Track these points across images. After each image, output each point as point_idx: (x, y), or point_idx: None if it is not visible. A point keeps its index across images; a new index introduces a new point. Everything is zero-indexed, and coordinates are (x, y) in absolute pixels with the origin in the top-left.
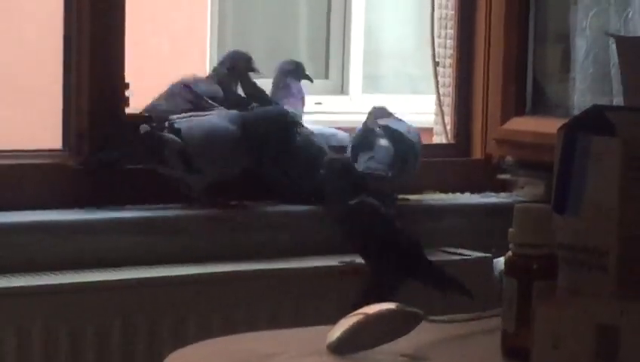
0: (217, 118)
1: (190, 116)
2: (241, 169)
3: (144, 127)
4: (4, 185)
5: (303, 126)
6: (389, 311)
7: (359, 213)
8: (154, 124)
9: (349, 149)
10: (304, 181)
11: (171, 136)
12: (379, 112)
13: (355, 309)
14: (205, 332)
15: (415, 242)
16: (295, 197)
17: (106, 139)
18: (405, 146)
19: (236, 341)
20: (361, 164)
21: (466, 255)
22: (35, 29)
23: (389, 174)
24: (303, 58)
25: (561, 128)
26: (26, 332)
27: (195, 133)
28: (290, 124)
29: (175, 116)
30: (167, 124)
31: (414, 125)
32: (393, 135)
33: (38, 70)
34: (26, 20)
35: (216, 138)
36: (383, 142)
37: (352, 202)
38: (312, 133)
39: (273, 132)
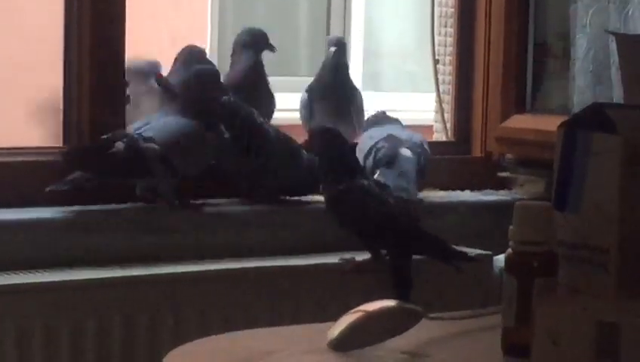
0: (173, 117)
1: (147, 123)
2: (211, 160)
3: (119, 144)
4: (3, 183)
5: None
6: (390, 308)
7: (350, 195)
8: (125, 140)
9: (367, 160)
10: (279, 175)
11: (149, 144)
12: (378, 118)
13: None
14: (205, 329)
15: (414, 218)
16: (267, 193)
17: (82, 163)
18: (424, 157)
19: (236, 338)
20: (390, 180)
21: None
22: (36, 27)
23: (416, 193)
24: (303, 56)
25: (561, 125)
26: (27, 330)
27: (166, 135)
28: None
29: (134, 127)
30: (136, 135)
31: (413, 126)
32: (415, 145)
33: (38, 67)
34: (27, 19)
35: (185, 134)
36: (406, 151)
37: (341, 187)
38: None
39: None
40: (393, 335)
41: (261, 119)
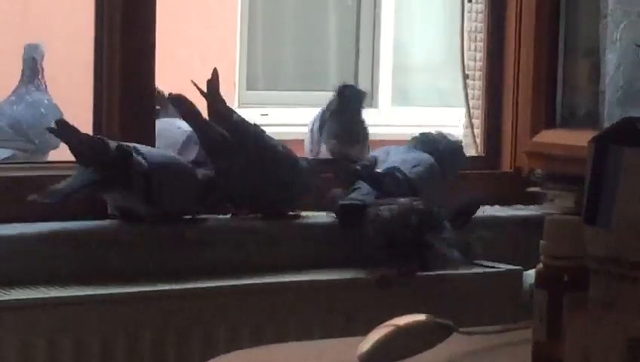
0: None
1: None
2: (197, 204)
3: (112, 144)
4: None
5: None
6: (420, 322)
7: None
8: (121, 144)
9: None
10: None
11: (139, 158)
12: None
13: None
14: (234, 343)
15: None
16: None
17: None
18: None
19: (267, 352)
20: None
21: (496, 267)
22: (66, 43)
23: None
24: (332, 71)
25: (592, 140)
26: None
27: (158, 159)
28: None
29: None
30: (132, 146)
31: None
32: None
33: (69, 82)
34: (57, 37)
35: (179, 168)
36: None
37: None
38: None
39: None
40: (424, 350)
41: (271, 137)
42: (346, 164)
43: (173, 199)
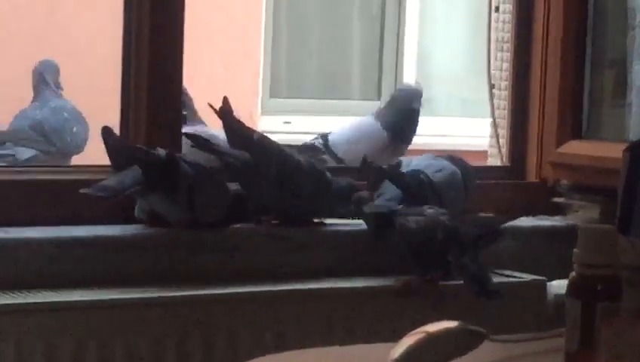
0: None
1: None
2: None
3: (161, 151)
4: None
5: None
6: (452, 329)
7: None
8: (167, 151)
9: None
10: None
11: (187, 167)
12: None
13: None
14: (259, 349)
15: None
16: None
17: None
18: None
19: (291, 358)
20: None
21: (520, 277)
22: (94, 47)
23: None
24: (355, 80)
25: (626, 149)
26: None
27: (202, 168)
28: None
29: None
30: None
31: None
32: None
33: (96, 87)
34: (85, 44)
35: (217, 179)
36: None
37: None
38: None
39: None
40: (455, 357)
41: (294, 152)
42: (373, 165)
43: (208, 208)
